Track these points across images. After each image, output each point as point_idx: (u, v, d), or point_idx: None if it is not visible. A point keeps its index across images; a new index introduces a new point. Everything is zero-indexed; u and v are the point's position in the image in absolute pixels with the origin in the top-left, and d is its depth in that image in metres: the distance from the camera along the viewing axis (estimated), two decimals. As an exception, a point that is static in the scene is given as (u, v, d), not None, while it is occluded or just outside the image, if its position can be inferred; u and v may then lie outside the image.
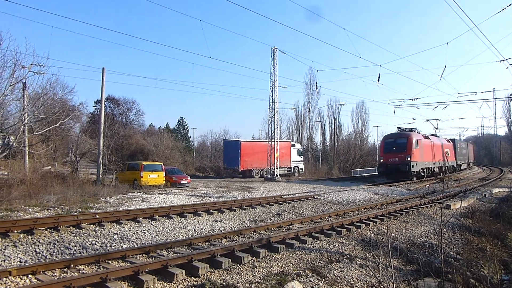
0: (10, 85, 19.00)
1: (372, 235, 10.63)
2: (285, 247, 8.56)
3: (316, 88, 43.86)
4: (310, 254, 8.33)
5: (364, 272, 7.61)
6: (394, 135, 31.12)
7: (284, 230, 10.44)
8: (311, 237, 9.63)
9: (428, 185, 26.71)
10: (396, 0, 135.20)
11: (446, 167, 35.12)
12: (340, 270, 7.53)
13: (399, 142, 29.50)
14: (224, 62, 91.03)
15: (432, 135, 36.16)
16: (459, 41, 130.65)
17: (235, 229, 10.53)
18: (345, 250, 8.98)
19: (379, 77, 23.26)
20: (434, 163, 32.45)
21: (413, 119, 73.32)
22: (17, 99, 21.22)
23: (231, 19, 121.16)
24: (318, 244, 9.25)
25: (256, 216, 12.72)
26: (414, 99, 28.87)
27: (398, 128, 32.73)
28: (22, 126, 19.97)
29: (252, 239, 8.98)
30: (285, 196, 17.71)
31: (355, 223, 11.61)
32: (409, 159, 28.08)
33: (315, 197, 18.06)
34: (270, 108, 32.12)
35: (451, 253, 9.79)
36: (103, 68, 25.10)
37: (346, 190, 21.42)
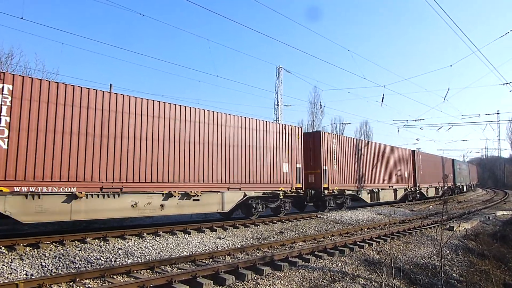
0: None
1: (375, 255, 10.63)
2: (288, 265, 8.59)
3: (320, 107, 44.04)
4: (313, 273, 8.36)
5: (367, 292, 7.63)
6: None
7: (287, 248, 10.48)
8: (314, 256, 9.65)
9: (431, 206, 26.63)
10: (400, 23, 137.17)
11: None
12: (343, 289, 7.55)
13: None
14: (229, 80, 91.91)
15: None
16: (463, 64, 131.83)
17: (239, 246, 10.58)
18: (348, 269, 9.00)
19: (383, 97, 23.48)
20: None
21: (417, 139, 73.46)
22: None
23: (237, 39, 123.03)
24: (321, 263, 9.28)
25: (259, 234, 12.75)
26: (418, 120, 28.91)
27: None
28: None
29: (255, 256, 9.03)
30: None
31: (358, 242, 11.63)
32: None
33: (318, 215, 18.06)
34: (274, 127, 32.04)
35: (454, 275, 9.78)
36: (110, 84, 25.31)
37: (349, 210, 21.39)
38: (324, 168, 19.36)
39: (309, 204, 19.10)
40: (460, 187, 43.55)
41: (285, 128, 17.40)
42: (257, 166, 15.64)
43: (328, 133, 20.65)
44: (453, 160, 42.06)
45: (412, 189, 29.45)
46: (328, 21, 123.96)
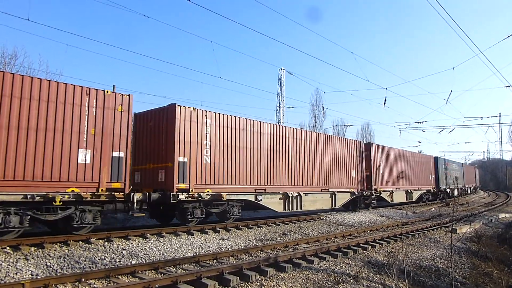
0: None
1: (379, 257, 10.64)
2: (292, 267, 8.61)
3: (322, 109, 44.02)
4: (317, 274, 8.38)
5: (371, 293, 7.64)
6: None
7: (290, 249, 10.50)
8: (318, 257, 9.68)
9: (433, 209, 26.63)
10: (404, 25, 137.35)
11: None
12: (347, 291, 7.56)
13: None
14: (232, 82, 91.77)
15: None
16: (465, 66, 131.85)
17: (242, 247, 10.59)
18: (351, 271, 9.01)
19: (385, 100, 23.32)
20: None
21: (419, 142, 73.42)
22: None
23: (239, 40, 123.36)
24: (324, 264, 9.30)
25: (262, 235, 12.77)
26: (420, 122, 29.01)
27: None
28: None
29: (259, 258, 9.05)
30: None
31: (361, 244, 11.65)
32: None
33: (321, 217, 18.06)
34: (276, 128, 31.74)
35: (458, 277, 9.78)
36: (113, 85, 25.51)
37: (352, 212, 21.38)
38: (182, 160, 12.80)
39: (135, 215, 12.32)
40: (448, 191, 36.32)
41: (88, 93, 10.70)
42: (13, 150, 9.26)
43: (194, 109, 13.39)
44: (435, 158, 35.50)
45: (365, 193, 22.58)
46: (330, 23, 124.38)
